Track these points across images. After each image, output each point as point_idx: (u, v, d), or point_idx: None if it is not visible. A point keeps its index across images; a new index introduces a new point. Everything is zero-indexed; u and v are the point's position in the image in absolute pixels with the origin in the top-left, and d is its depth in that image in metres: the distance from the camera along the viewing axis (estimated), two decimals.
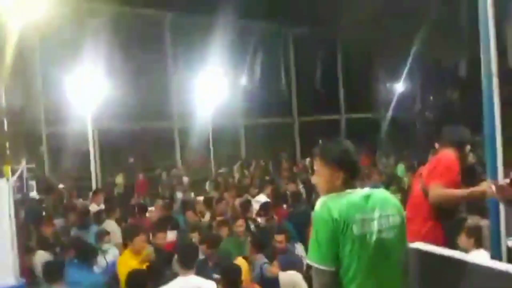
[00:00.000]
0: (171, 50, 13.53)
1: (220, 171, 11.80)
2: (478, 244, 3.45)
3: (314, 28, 14.31)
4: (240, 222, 5.11)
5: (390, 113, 16.32)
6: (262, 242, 4.38)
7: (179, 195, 8.56)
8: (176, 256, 3.71)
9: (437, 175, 2.77)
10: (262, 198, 7.15)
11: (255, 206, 6.54)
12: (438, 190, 2.70)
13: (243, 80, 14.80)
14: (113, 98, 10.06)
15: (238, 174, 11.58)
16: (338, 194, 1.89)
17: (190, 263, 3.42)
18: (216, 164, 12.30)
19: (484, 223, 3.45)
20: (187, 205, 6.63)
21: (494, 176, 2.29)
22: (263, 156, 13.65)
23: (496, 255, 2.25)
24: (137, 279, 3.32)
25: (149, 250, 4.15)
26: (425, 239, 2.68)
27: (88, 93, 8.63)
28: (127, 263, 3.99)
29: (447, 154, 2.89)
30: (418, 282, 2.20)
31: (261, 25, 14.04)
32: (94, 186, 8.46)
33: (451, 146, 2.92)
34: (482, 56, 2.32)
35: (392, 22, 11.91)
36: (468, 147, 2.97)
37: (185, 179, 10.61)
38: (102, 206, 6.49)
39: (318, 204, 1.88)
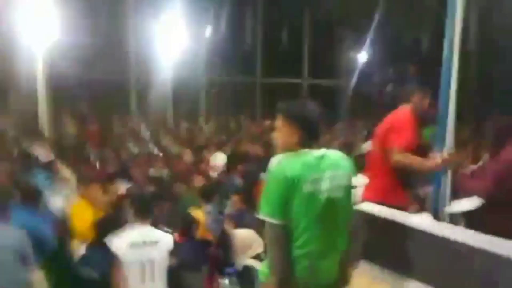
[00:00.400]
0: None
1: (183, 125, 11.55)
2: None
3: None
4: (199, 178, 5.12)
5: (351, 82, 16.61)
6: (208, 192, 4.47)
7: (132, 146, 8.35)
8: (131, 207, 3.65)
9: (394, 136, 2.92)
10: (220, 156, 7.21)
11: (212, 163, 6.63)
12: (398, 156, 2.85)
13: (208, 32, 14.24)
14: (66, 40, 9.36)
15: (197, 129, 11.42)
16: (294, 154, 1.94)
17: (147, 213, 3.39)
18: (174, 117, 12.04)
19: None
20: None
21: (441, 147, 2.42)
22: (223, 113, 13.52)
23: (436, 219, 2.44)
24: (106, 225, 3.32)
25: (103, 199, 4.08)
26: (386, 193, 2.93)
27: (39, 32, 7.97)
28: (82, 212, 3.93)
29: (402, 111, 3.09)
30: (364, 241, 2.34)
31: None
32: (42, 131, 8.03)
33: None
34: (446, 33, 2.35)
35: None
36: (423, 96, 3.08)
37: (144, 131, 10.26)
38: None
39: (274, 162, 1.94)
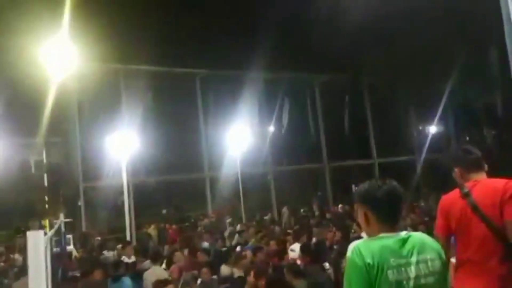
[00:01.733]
0: (202, 104, 14.10)
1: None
2: None
3: (339, 74, 14.54)
4: None
5: (424, 155, 15.92)
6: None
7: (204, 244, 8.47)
8: None
9: None
10: (297, 247, 7.05)
11: (291, 255, 6.48)
12: None
13: (272, 129, 15.02)
14: (147, 152, 10.41)
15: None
16: (371, 238, 1.82)
17: None
18: (246, 212, 12.22)
19: None
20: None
21: None
22: (294, 203, 13.47)
23: None
24: None
25: None
26: (507, 282, 2.36)
27: (124, 148, 8.97)
28: None
29: (508, 179, 2.42)
30: None
31: (287, 75, 14.44)
32: (128, 237, 8.55)
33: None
34: None
35: (417, 65, 11.93)
36: None
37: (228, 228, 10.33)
38: (133, 258, 6.52)
39: (350, 249, 1.83)
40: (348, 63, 13.02)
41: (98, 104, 10.81)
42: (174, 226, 11.05)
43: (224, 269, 5.98)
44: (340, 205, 12.55)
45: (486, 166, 2.58)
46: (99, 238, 9.65)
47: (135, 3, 8.94)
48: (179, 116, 12.91)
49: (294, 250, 6.88)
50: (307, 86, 15.85)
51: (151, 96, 11.89)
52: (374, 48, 11.85)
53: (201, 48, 11.29)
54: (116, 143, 8.99)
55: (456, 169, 2.64)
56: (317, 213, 11.58)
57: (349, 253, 1.84)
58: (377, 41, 11.54)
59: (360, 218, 1.88)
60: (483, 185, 2.53)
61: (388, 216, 1.83)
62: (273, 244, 7.22)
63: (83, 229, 10.64)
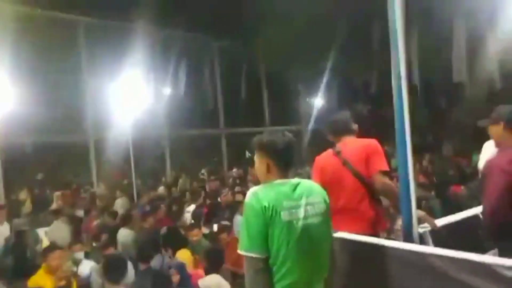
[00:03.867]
0: (86, 56, 12.63)
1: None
2: None
3: (238, 41, 14.59)
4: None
5: (309, 126, 17.25)
6: None
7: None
8: (103, 271, 3.45)
9: (380, 161, 2.78)
10: (192, 207, 7.23)
11: (187, 215, 6.65)
12: (387, 180, 2.76)
13: (167, 90, 14.43)
14: (21, 109, 9.12)
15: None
16: (268, 184, 1.94)
17: (120, 277, 3.21)
18: (137, 178, 11.69)
19: None
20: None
21: (406, 178, 2.45)
22: (189, 169, 13.39)
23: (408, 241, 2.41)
24: None
25: (66, 266, 3.79)
26: (376, 223, 2.79)
27: None
28: (39, 283, 3.62)
29: (370, 139, 2.94)
30: (343, 268, 2.31)
31: (185, 35, 13.90)
32: None
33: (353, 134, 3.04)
34: (392, 61, 2.48)
35: (308, 37, 12.58)
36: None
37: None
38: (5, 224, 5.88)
39: (248, 195, 1.92)
40: (247, 32, 13.13)
41: None
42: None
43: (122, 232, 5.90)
44: (234, 169, 12.94)
45: (355, 129, 2.99)
46: None
47: None
48: (61, 69, 11.46)
49: (190, 211, 7.04)
50: (205, 49, 15.52)
51: (28, 45, 10.29)
52: (269, 21, 12.10)
53: None
54: None
55: (329, 134, 3.09)
56: (212, 177, 11.75)
57: (247, 198, 1.94)
58: (273, 14, 11.79)
59: (260, 167, 2.01)
60: (351, 144, 2.98)
61: (286, 165, 1.98)
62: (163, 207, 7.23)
63: None
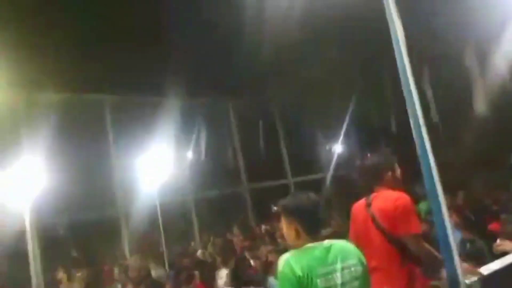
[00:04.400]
0: (113, 133, 13.31)
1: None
2: None
3: (252, 98, 15.06)
4: None
5: (332, 172, 17.15)
6: None
7: None
8: None
9: (412, 223, 2.63)
10: (224, 272, 7.06)
11: (219, 282, 6.51)
12: (422, 244, 2.63)
13: (190, 155, 14.83)
14: (54, 191, 9.49)
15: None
16: (300, 250, 1.93)
17: None
18: (167, 243, 11.69)
19: None
20: None
21: (438, 213, 2.41)
22: (217, 229, 13.31)
23: None
24: None
25: None
26: (411, 284, 2.64)
27: (27, 187, 8.08)
28: None
29: (401, 194, 2.75)
30: None
31: (203, 100, 14.50)
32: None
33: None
34: (408, 110, 2.54)
35: (322, 88, 12.90)
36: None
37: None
38: None
39: (281, 262, 1.91)
40: (260, 88, 13.58)
41: None
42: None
43: None
44: (263, 226, 12.79)
45: (388, 178, 2.87)
46: None
47: (34, 28, 8.29)
48: (89, 149, 12.05)
49: (222, 277, 6.88)
50: (222, 111, 16.05)
51: (57, 128, 10.93)
52: (282, 73, 12.53)
53: (111, 73, 10.80)
54: (17, 182, 8.07)
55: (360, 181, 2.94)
56: (241, 237, 11.61)
57: (280, 267, 1.93)
58: (284, 67, 12.23)
59: (289, 233, 2.00)
60: (382, 197, 2.83)
61: (315, 227, 1.97)
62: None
63: None
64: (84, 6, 8.59)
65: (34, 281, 7.74)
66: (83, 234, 12.09)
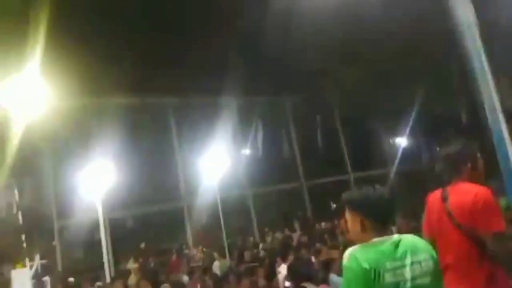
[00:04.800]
0: (176, 132, 14.08)
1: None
2: None
3: (310, 94, 14.88)
4: None
5: (396, 168, 16.37)
6: None
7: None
8: None
9: (494, 220, 2.38)
10: (283, 268, 7.04)
11: (279, 277, 6.49)
12: (505, 244, 2.35)
13: (247, 152, 15.10)
14: (123, 186, 10.18)
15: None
16: (366, 244, 1.85)
17: None
18: (228, 236, 12.02)
19: None
20: None
21: None
22: (274, 224, 13.44)
23: None
24: None
25: None
26: (490, 285, 2.38)
27: (98, 183, 8.73)
28: None
29: (481, 188, 2.48)
30: None
31: (260, 98, 14.66)
32: (107, 274, 8.27)
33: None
34: (482, 94, 2.34)
35: (383, 74, 12.36)
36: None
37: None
38: None
39: (345, 256, 1.84)
40: (317, 82, 13.38)
41: (70, 140, 10.59)
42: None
43: None
44: (322, 223, 12.62)
45: (468, 169, 2.60)
46: (72, 279, 9.23)
47: (100, 37, 8.89)
48: (154, 148, 12.82)
49: (281, 272, 6.87)
50: (279, 108, 16.11)
51: (125, 129, 11.72)
52: (340, 67, 12.23)
53: (173, 78, 11.32)
54: (89, 178, 8.75)
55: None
56: (299, 232, 11.58)
57: (345, 260, 1.84)
58: (342, 60, 11.92)
59: (354, 226, 1.91)
60: (460, 191, 2.56)
61: (382, 221, 1.87)
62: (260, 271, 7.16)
63: (59, 269, 10.20)
64: (148, 16, 9.09)
65: (107, 268, 8.38)
66: (149, 226, 12.84)
